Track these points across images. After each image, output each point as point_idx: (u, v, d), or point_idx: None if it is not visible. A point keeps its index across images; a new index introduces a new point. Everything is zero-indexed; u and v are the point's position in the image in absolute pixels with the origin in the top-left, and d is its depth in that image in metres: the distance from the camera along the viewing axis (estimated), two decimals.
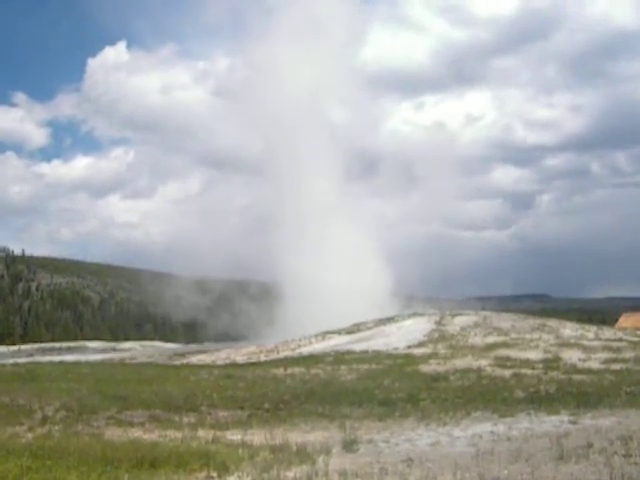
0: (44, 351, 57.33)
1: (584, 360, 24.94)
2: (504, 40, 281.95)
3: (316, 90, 78.75)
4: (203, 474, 8.20)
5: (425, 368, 24.03)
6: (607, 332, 35.94)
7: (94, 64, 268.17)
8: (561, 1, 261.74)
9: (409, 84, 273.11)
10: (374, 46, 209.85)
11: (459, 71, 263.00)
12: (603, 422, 12.02)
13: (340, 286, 58.38)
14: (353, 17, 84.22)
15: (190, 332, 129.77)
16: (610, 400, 15.59)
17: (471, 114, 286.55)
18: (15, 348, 64.22)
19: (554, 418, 13.07)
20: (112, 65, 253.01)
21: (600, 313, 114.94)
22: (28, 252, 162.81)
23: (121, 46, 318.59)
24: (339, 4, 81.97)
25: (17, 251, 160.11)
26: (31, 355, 51.59)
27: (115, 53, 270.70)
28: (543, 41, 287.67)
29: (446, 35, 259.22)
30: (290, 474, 8.02)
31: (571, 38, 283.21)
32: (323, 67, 76.22)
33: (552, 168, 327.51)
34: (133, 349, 59.71)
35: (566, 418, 12.90)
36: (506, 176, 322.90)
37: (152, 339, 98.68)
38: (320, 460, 8.83)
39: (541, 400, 16.12)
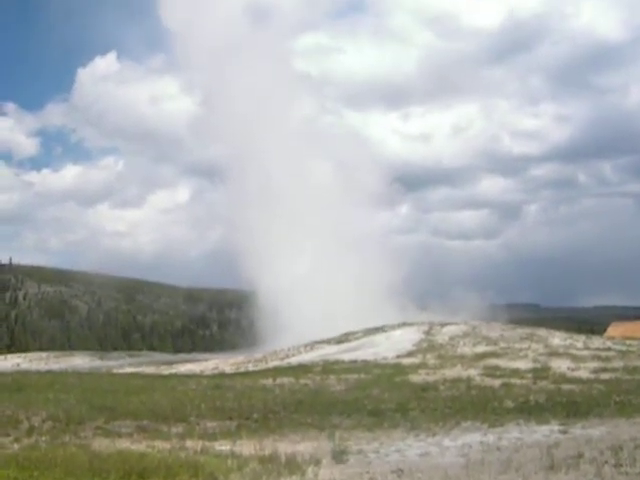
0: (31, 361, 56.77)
1: (573, 369, 24.98)
2: (490, 52, 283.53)
3: (301, 100, 78.73)
4: None
5: (414, 378, 23.98)
6: (596, 341, 36.01)
7: (84, 74, 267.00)
8: (545, 13, 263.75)
9: (396, 95, 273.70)
10: (361, 57, 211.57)
11: (446, 82, 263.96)
12: (593, 432, 12.02)
13: (329, 295, 58.28)
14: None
15: (178, 342, 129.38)
16: (600, 410, 15.60)
17: (458, 125, 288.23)
18: (1, 357, 63.59)
19: (544, 428, 13.05)
20: (102, 75, 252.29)
21: (588, 322, 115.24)
22: (15, 261, 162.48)
23: (111, 56, 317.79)
24: None
25: (4, 260, 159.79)
26: (17, 365, 51.08)
27: (105, 63, 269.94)
28: (528, 52, 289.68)
29: (433, 46, 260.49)
30: None
31: (555, 50, 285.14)
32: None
33: (538, 178, 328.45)
34: (121, 359, 59.28)
35: (556, 428, 12.89)
36: (493, 186, 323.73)
37: (140, 349, 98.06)
38: (309, 471, 8.77)
39: (531, 410, 16.10)
